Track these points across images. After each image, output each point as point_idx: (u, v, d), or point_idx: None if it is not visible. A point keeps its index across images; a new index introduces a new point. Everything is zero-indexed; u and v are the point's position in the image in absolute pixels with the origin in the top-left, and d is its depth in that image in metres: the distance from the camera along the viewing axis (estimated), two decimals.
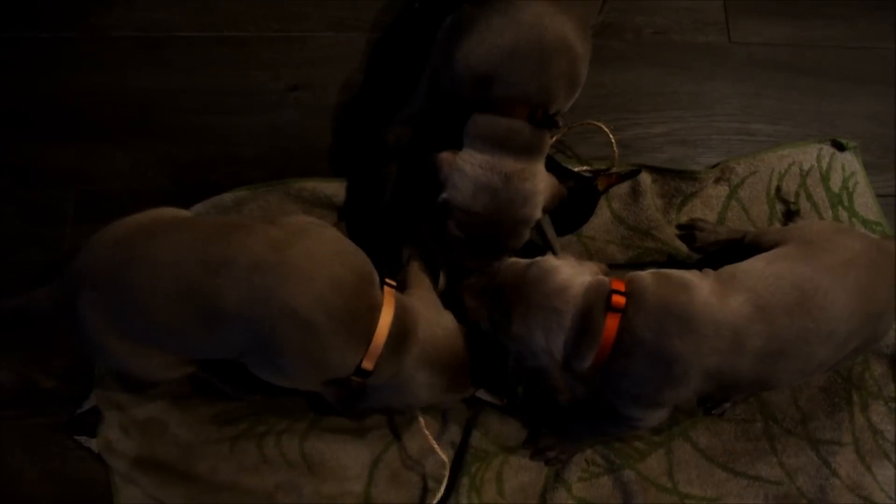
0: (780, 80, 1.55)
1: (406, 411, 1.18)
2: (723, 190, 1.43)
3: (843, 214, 1.41)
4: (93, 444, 1.25)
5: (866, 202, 1.43)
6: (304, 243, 1.02)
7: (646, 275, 1.08)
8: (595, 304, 1.04)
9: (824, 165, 1.45)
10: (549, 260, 1.10)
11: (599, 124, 1.41)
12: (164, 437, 1.25)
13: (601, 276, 1.10)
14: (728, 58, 1.57)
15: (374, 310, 1.04)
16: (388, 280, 1.10)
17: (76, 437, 1.26)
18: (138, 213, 1.13)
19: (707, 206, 1.42)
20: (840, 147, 1.47)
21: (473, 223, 1.20)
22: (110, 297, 1.02)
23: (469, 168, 1.19)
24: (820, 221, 1.38)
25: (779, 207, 1.42)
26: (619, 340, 1.03)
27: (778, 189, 1.43)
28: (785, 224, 1.40)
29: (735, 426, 1.28)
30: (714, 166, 1.45)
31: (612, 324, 1.03)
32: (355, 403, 1.11)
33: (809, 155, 1.46)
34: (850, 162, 1.46)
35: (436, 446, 1.21)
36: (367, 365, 1.03)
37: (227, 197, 1.40)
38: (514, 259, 1.14)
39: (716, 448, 1.27)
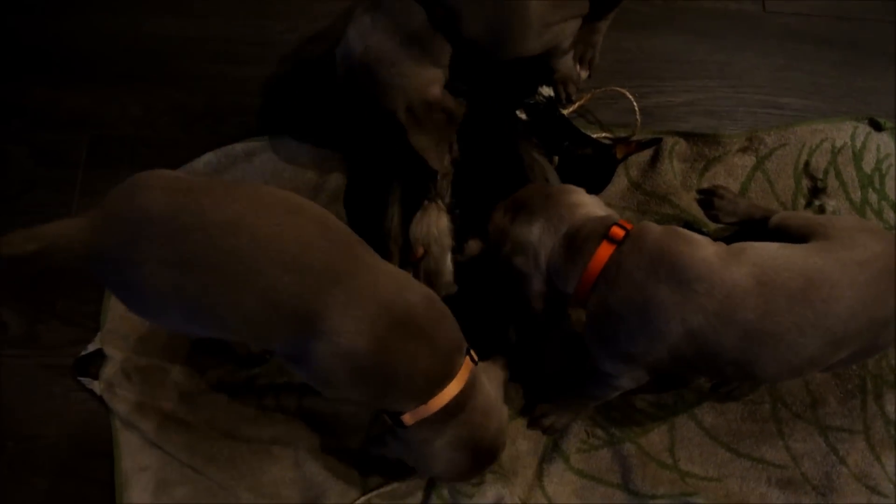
0: (813, 53, 1.49)
1: (416, 470, 1.12)
2: (749, 160, 1.38)
3: (873, 197, 1.36)
4: (95, 386, 1.26)
5: None
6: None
7: (655, 224, 1.05)
8: (595, 229, 1.04)
9: (858, 144, 1.40)
10: (578, 189, 1.11)
11: (623, 91, 1.37)
12: (165, 384, 1.26)
13: (614, 215, 1.08)
14: (760, 27, 1.51)
15: (447, 377, 0.99)
16: (472, 353, 1.05)
17: (79, 379, 1.27)
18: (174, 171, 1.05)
19: (731, 175, 1.37)
20: (877, 127, 1.41)
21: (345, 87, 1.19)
22: (176, 258, 0.91)
23: (350, 29, 1.17)
24: (849, 217, 1.32)
25: (805, 183, 1.37)
26: (606, 270, 1.02)
27: (806, 164, 1.38)
28: (809, 201, 1.36)
29: (742, 406, 1.25)
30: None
31: (603, 252, 1.02)
32: (374, 441, 1.10)
33: (844, 132, 1.40)
34: (886, 143, 1.40)
35: None
36: (408, 420, 1.00)
37: (238, 147, 1.39)
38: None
39: (720, 427, 1.24)
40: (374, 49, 1.14)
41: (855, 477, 1.21)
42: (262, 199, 0.96)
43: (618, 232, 1.03)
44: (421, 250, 1.21)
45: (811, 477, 1.22)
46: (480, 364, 1.09)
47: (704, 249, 1.00)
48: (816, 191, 1.36)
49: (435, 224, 1.22)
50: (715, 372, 1.09)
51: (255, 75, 1.47)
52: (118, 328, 1.29)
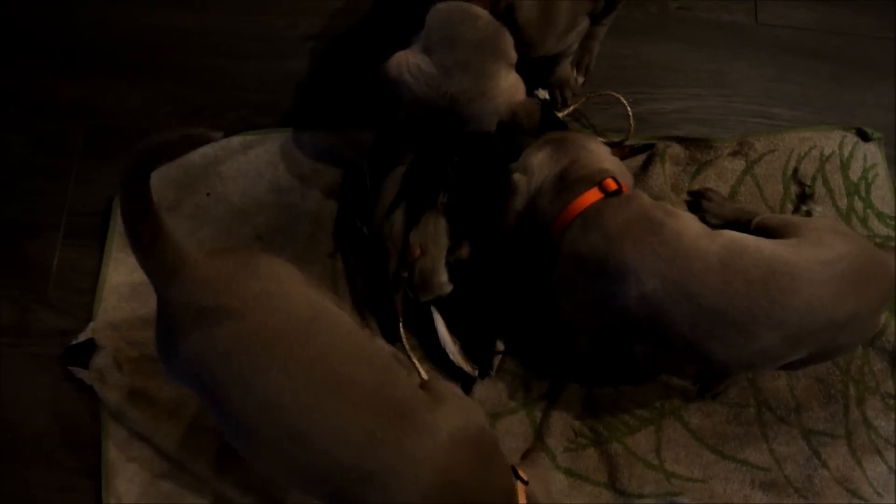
0: (804, 66, 1.52)
1: None
2: (739, 164, 1.41)
3: (859, 205, 1.39)
4: (85, 375, 1.25)
5: (884, 195, 1.40)
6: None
7: (647, 196, 1.09)
8: (591, 175, 1.08)
9: (846, 153, 1.42)
10: (599, 141, 1.16)
11: (618, 95, 1.39)
12: (157, 375, 1.25)
13: (620, 174, 1.12)
14: (753, 39, 1.53)
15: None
16: (521, 476, 1.00)
17: (70, 368, 1.26)
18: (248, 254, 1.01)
19: (721, 178, 1.39)
20: (865, 137, 1.44)
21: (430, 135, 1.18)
22: (246, 381, 0.88)
23: (415, 86, 1.12)
24: (824, 219, 1.33)
25: (793, 189, 1.40)
26: (586, 213, 1.06)
27: (795, 170, 1.41)
28: (797, 206, 1.38)
29: (727, 409, 1.27)
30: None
31: (590, 196, 1.07)
32: None
33: (832, 140, 1.43)
34: (872, 153, 1.43)
35: None
36: None
37: (235, 140, 1.40)
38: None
39: (706, 429, 1.26)
40: (459, 93, 1.11)
41: (836, 481, 1.23)
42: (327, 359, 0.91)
43: (610, 184, 1.07)
44: (418, 251, 1.22)
45: (793, 480, 1.23)
46: (528, 474, 1.04)
47: (684, 223, 1.03)
48: (804, 196, 1.39)
49: (433, 225, 1.23)
50: (667, 346, 1.08)
51: (254, 70, 1.47)
52: (110, 318, 1.28)
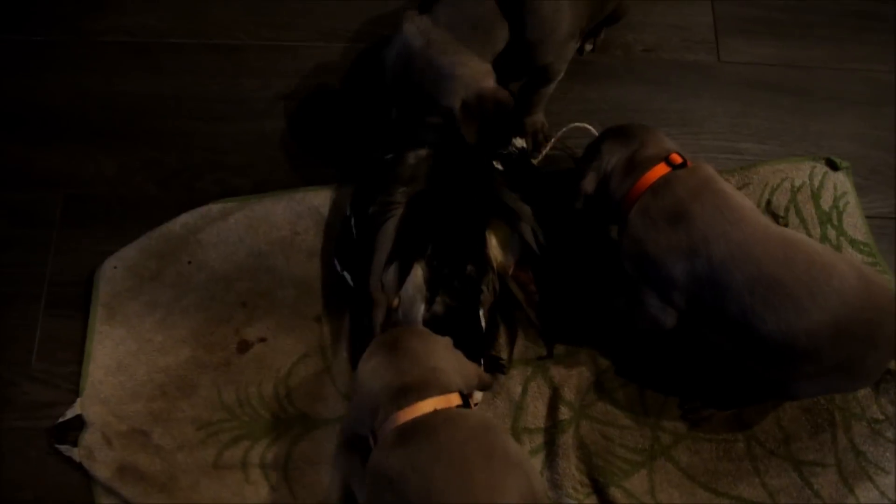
0: (768, 100, 1.56)
1: None
2: None
3: (832, 233, 1.42)
4: (74, 453, 1.23)
5: (855, 222, 1.44)
6: None
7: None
8: (658, 154, 1.18)
9: (816, 183, 1.46)
10: (661, 133, 1.25)
11: (587, 126, 1.41)
12: (147, 448, 1.24)
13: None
14: (716, 76, 1.58)
15: None
16: None
17: (58, 447, 1.24)
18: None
19: None
20: (833, 166, 1.48)
21: (398, 88, 1.21)
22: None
23: (408, 26, 1.19)
24: None
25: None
26: (655, 183, 1.15)
27: (769, 202, 1.44)
28: None
29: (716, 445, 1.28)
30: None
31: (659, 169, 1.16)
32: None
33: (802, 172, 1.47)
34: (842, 182, 1.47)
35: None
36: None
37: (215, 208, 1.40)
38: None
39: (697, 467, 1.27)
40: (436, 42, 1.18)
41: None
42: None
43: (676, 158, 1.17)
44: (397, 301, 1.23)
45: None
46: None
47: (748, 201, 1.14)
48: None
49: (413, 275, 1.24)
50: (719, 315, 1.12)
51: (230, 132, 1.49)
52: (98, 392, 1.27)
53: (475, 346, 1.23)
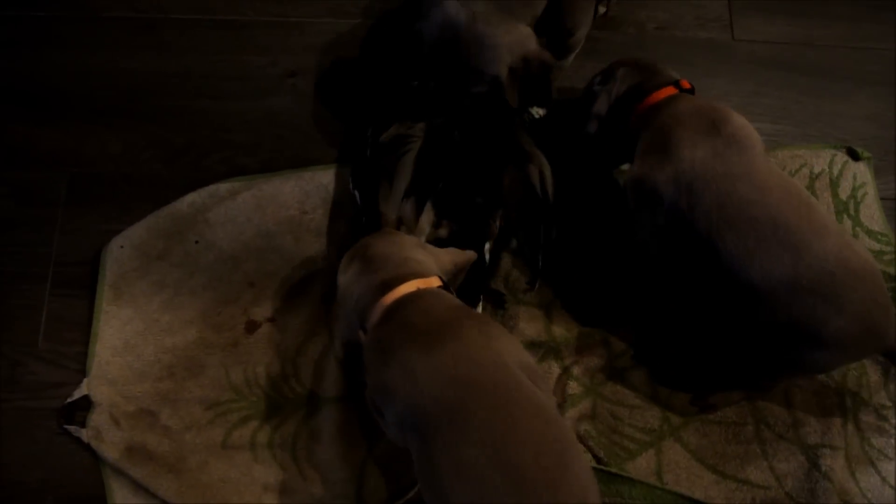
0: (781, 79, 1.54)
1: None
2: None
3: (848, 223, 1.41)
4: (83, 434, 1.23)
5: (872, 213, 1.43)
6: None
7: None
8: (668, 80, 1.22)
9: (835, 171, 1.45)
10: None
11: None
12: (155, 429, 1.24)
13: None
14: (730, 55, 1.55)
15: None
16: None
17: (66, 427, 1.24)
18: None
19: None
20: (855, 156, 1.47)
21: (439, 61, 1.23)
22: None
23: (448, 1, 1.20)
24: None
25: None
26: (660, 102, 1.19)
27: None
28: None
29: (726, 429, 1.28)
30: None
31: (667, 90, 1.20)
32: None
33: (822, 159, 1.45)
34: (861, 172, 1.46)
35: None
36: None
37: (223, 187, 1.39)
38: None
39: (706, 449, 1.27)
40: (481, 14, 1.20)
41: (837, 493, 1.24)
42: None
43: (686, 84, 1.22)
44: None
45: (796, 496, 1.24)
46: None
47: (751, 139, 1.16)
48: None
49: (426, 210, 1.29)
50: (689, 231, 1.13)
51: (236, 110, 1.47)
52: (105, 373, 1.27)
53: (477, 276, 1.24)
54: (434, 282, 1.04)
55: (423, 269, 1.05)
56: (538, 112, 1.39)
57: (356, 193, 1.30)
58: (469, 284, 1.21)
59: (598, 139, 1.30)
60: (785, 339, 1.11)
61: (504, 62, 1.22)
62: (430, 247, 1.14)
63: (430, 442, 0.92)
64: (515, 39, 1.23)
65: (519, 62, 1.23)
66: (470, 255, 1.19)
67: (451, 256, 1.15)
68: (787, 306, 1.07)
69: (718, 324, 1.24)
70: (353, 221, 1.33)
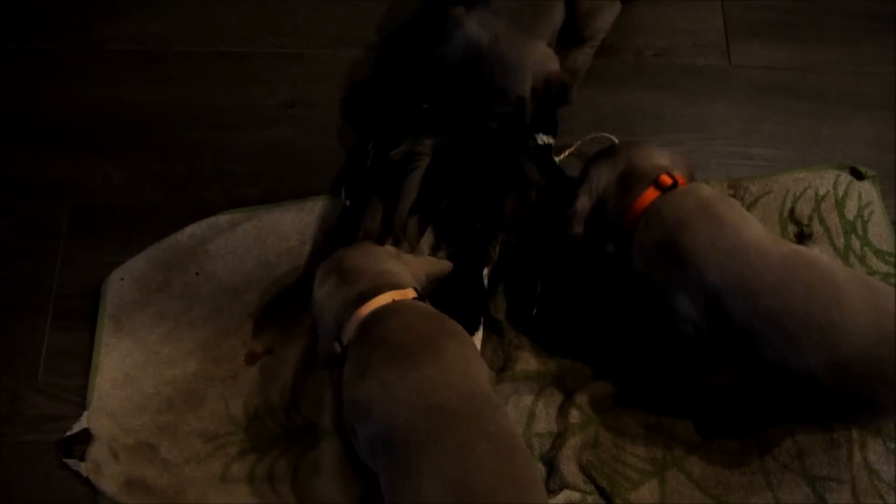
0: (781, 104, 1.54)
1: None
2: None
3: (856, 243, 1.40)
4: (82, 468, 1.23)
5: (881, 232, 1.41)
6: None
7: (709, 187, 1.15)
8: (647, 174, 1.14)
9: (840, 192, 1.44)
10: (653, 146, 1.21)
11: (611, 136, 1.43)
12: (154, 462, 1.23)
13: (677, 169, 1.17)
14: (728, 81, 1.56)
15: None
16: None
17: (65, 461, 1.24)
18: None
19: None
20: (859, 175, 1.46)
21: (462, 82, 1.24)
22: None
23: (469, 24, 1.22)
24: None
25: (791, 228, 1.41)
26: (646, 212, 1.12)
27: (791, 211, 1.42)
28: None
29: (730, 458, 1.26)
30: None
31: (648, 194, 1.13)
32: None
33: (826, 180, 1.45)
34: (867, 191, 1.45)
35: None
36: None
37: (223, 218, 1.39)
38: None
39: (709, 478, 1.25)
40: (503, 35, 1.22)
41: None
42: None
43: (665, 179, 1.13)
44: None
45: None
46: None
47: (749, 222, 1.08)
48: (802, 236, 1.40)
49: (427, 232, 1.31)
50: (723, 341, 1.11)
51: (237, 140, 1.48)
52: (105, 405, 1.26)
53: (474, 302, 1.24)
54: (409, 293, 1.05)
55: (399, 280, 1.07)
56: (544, 139, 1.39)
57: (346, 203, 1.32)
58: (468, 311, 1.20)
59: (588, 241, 1.25)
60: (840, 409, 1.13)
61: (528, 82, 1.23)
62: (405, 255, 1.16)
63: (395, 469, 0.93)
64: (538, 60, 1.24)
65: (541, 83, 1.24)
66: (445, 264, 1.20)
67: (426, 266, 1.17)
68: (832, 393, 1.07)
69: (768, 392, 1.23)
70: (337, 232, 1.34)
